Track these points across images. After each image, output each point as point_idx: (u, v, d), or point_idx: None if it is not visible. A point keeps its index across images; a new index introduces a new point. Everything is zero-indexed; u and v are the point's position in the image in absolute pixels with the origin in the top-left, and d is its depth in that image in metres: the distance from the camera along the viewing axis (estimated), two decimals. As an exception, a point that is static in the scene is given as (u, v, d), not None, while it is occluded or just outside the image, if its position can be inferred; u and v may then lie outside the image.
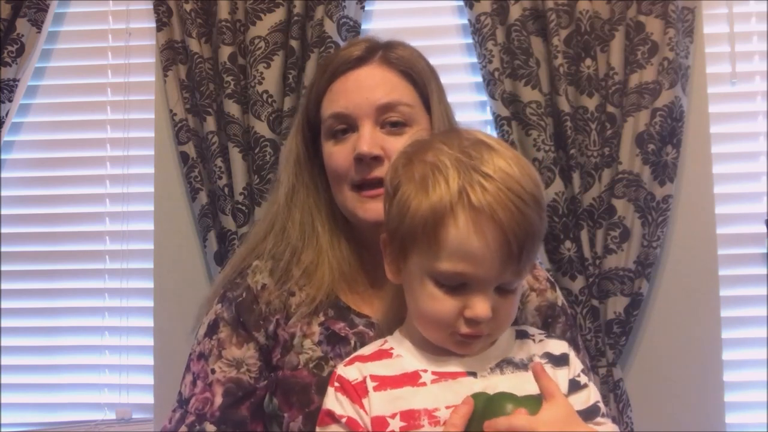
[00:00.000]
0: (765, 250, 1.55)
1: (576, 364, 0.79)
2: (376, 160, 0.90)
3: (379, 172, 0.90)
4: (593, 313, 1.47)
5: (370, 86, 0.92)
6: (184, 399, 0.91)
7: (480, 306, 0.70)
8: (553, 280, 1.05)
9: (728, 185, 1.58)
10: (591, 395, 0.77)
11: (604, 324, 1.47)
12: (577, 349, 0.91)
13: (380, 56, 0.94)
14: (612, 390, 1.45)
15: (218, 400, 0.89)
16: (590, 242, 1.48)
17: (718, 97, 1.59)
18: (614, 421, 1.42)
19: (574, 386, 0.77)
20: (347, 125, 0.92)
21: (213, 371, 0.90)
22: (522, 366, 0.75)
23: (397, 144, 0.89)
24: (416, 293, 0.73)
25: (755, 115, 1.59)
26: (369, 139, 0.90)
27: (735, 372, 1.55)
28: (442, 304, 0.71)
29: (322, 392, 0.79)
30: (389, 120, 0.92)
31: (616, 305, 1.47)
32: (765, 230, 1.54)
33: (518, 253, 0.69)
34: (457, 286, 0.70)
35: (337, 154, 0.93)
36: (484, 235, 0.67)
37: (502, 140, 0.75)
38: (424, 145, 0.76)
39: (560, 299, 1.03)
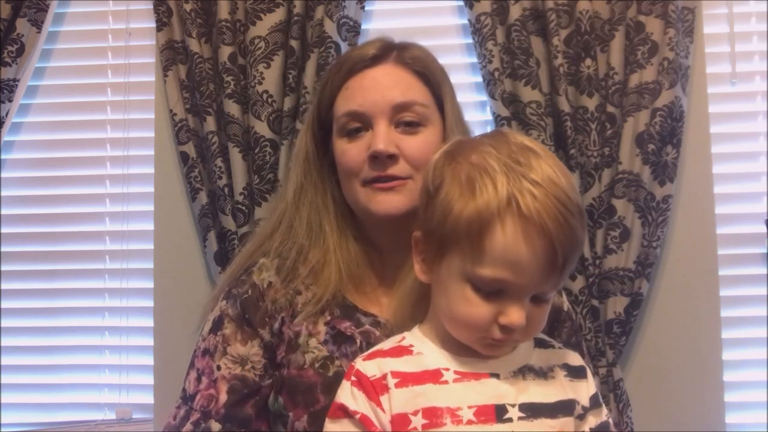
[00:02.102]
0: (765, 250, 1.55)
1: (593, 379, 0.81)
2: (391, 158, 0.90)
3: (394, 170, 0.90)
4: (593, 313, 1.47)
5: (386, 85, 0.92)
6: (188, 395, 0.91)
7: (515, 314, 0.69)
8: None
9: (728, 185, 1.58)
10: (603, 412, 0.80)
11: (604, 324, 1.47)
12: (582, 354, 0.92)
13: (395, 56, 0.95)
14: (612, 390, 1.45)
15: (223, 397, 0.89)
16: (590, 242, 1.48)
17: (718, 97, 1.58)
18: (617, 424, 1.43)
19: (595, 403, 0.79)
20: (362, 123, 0.92)
21: (219, 368, 0.90)
22: (542, 374, 0.76)
23: (412, 143, 0.90)
24: (450, 295, 0.72)
25: (755, 115, 1.59)
26: (385, 136, 0.90)
27: (735, 372, 1.55)
28: (477, 308, 0.70)
29: (328, 392, 0.79)
30: (404, 119, 0.92)
31: (616, 305, 1.47)
32: (765, 230, 1.54)
33: (562, 264, 0.68)
34: (494, 291, 0.69)
35: (351, 152, 0.92)
36: (532, 244, 0.67)
37: (544, 146, 0.75)
38: (468, 145, 0.75)
39: (566, 304, 1.03)
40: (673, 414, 1.53)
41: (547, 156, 0.72)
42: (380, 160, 0.90)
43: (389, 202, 0.90)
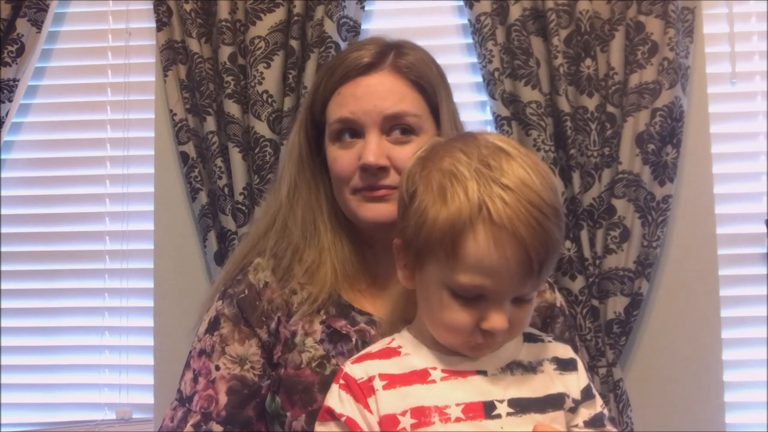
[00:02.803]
0: (765, 250, 1.55)
1: (584, 371, 0.80)
2: (382, 170, 0.90)
3: (384, 181, 0.90)
4: (593, 313, 1.47)
5: (379, 94, 0.91)
6: (185, 396, 0.91)
7: (496, 319, 0.69)
8: (551, 281, 1.05)
9: (728, 185, 1.58)
10: (597, 403, 0.79)
11: (604, 324, 1.47)
12: (575, 349, 0.91)
13: (390, 63, 0.93)
14: (612, 390, 1.45)
15: (223, 398, 0.89)
16: (590, 242, 1.48)
17: (718, 97, 1.58)
18: (614, 421, 1.43)
19: (588, 395, 0.78)
20: (353, 131, 0.92)
21: (217, 368, 0.90)
22: (530, 369, 0.76)
23: (403, 153, 0.90)
24: (432, 302, 0.73)
25: (755, 114, 1.59)
26: (375, 148, 0.89)
27: (735, 372, 1.55)
28: (459, 315, 0.70)
29: (325, 390, 0.79)
30: (396, 130, 0.91)
31: (616, 305, 1.47)
32: (765, 230, 1.54)
33: (538, 269, 0.68)
34: (474, 297, 0.69)
35: (342, 159, 0.92)
36: (504, 251, 0.66)
37: (519, 145, 0.74)
38: (439, 150, 0.74)
39: (559, 300, 1.03)
40: (673, 414, 1.53)
41: (520, 155, 0.70)
42: (370, 171, 0.90)
43: (377, 210, 0.90)
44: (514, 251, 0.66)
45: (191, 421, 0.88)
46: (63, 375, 1.68)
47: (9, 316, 1.68)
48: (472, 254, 0.67)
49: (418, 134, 0.92)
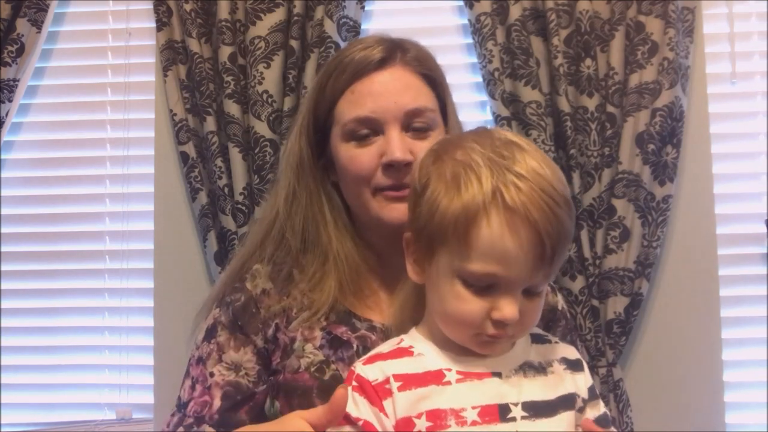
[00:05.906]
0: (765, 250, 1.55)
1: (588, 371, 0.81)
2: (407, 165, 0.89)
3: (408, 178, 0.88)
4: (593, 313, 1.47)
5: (397, 90, 0.91)
6: (182, 403, 0.91)
7: (508, 308, 0.69)
8: (553, 284, 1.05)
9: (728, 185, 1.58)
10: (601, 404, 0.80)
11: (604, 324, 1.47)
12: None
13: (400, 58, 0.93)
14: (612, 390, 1.45)
15: (217, 403, 0.88)
16: (590, 242, 1.48)
17: (718, 96, 1.59)
18: (614, 421, 1.43)
19: (593, 395, 0.79)
20: (371, 129, 0.91)
21: (212, 374, 0.90)
22: (541, 370, 0.76)
23: (424, 148, 0.88)
24: (442, 293, 0.72)
25: (755, 114, 1.59)
26: (400, 144, 0.88)
27: (735, 372, 1.55)
28: (470, 304, 0.70)
29: (324, 395, 0.78)
30: (415, 125, 0.91)
31: (616, 305, 1.47)
32: (765, 230, 1.54)
33: (551, 255, 0.68)
34: (485, 287, 0.69)
35: (361, 158, 0.91)
36: (518, 236, 0.66)
37: (530, 141, 0.75)
38: (453, 143, 0.75)
39: (560, 303, 1.03)
40: (673, 414, 1.53)
41: (532, 150, 0.71)
42: (396, 168, 0.89)
43: (401, 211, 0.88)
44: (528, 236, 0.66)
45: (184, 424, 0.88)
46: (63, 375, 1.68)
47: (9, 316, 1.68)
48: (485, 240, 0.67)
49: (434, 129, 0.92)
